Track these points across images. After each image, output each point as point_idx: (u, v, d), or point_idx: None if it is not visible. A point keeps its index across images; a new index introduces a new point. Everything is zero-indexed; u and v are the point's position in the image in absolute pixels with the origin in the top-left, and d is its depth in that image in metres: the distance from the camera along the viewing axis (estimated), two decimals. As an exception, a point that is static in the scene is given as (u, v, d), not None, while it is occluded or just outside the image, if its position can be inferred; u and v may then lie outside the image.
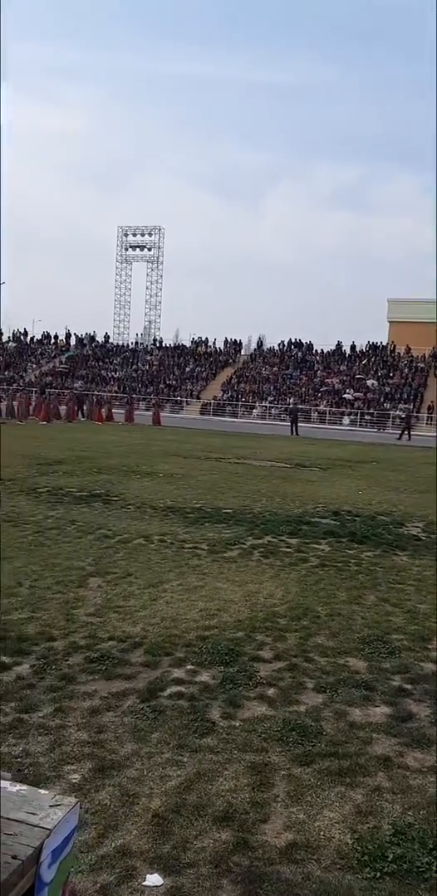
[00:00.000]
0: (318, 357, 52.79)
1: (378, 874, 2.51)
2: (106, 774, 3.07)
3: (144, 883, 2.41)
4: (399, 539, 8.53)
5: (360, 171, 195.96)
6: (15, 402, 33.00)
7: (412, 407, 41.50)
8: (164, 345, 59.93)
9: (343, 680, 4.21)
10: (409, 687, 4.18)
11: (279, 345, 55.40)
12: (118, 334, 64.19)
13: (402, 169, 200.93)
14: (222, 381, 51.51)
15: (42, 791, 1.41)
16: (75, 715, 3.59)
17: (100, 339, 60.66)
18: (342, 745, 3.43)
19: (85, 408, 36.84)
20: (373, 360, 50.77)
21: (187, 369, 53.98)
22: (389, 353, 51.34)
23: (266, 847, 2.65)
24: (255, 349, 58.13)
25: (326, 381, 48.90)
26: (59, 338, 60.35)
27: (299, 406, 39.88)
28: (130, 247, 64.36)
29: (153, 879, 2.42)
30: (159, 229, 63.20)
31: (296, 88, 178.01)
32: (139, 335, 65.58)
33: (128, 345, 61.46)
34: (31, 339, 61.48)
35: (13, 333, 61.50)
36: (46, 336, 61.20)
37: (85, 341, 60.00)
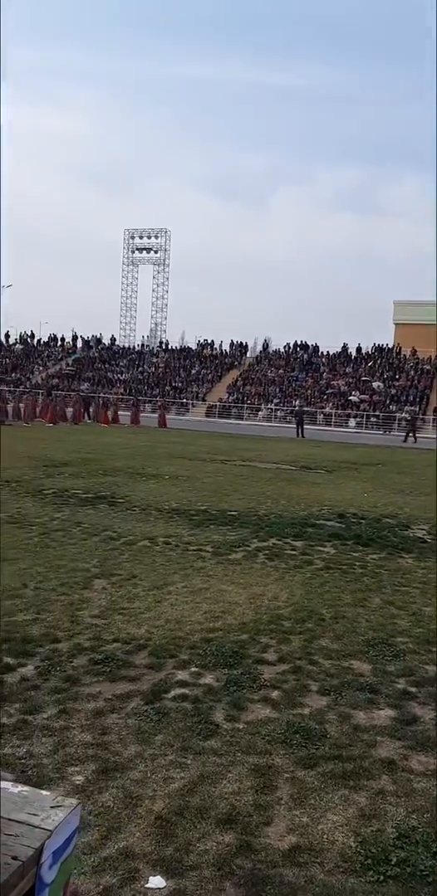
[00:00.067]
0: (324, 359, 52.74)
1: (382, 878, 2.51)
2: (109, 776, 3.07)
3: (147, 885, 2.41)
4: (405, 541, 8.51)
5: (368, 172, 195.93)
6: (21, 404, 33.13)
7: (417, 409, 41.40)
8: (170, 347, 60.03)
9: (348, 683, 4.20)
10: (414, 690, 4.17)
11: (285, 347, 55.41)
12: (124, 336, 64.37)
13: (411, 171, 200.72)
14: (227, 383, 51.53)
15: (43, 792, 1.41)
16: (79, 717, 3.60)
17: (106, 341, 60.83)
18: (346, 748, 3.43)
19: (91, 410, 36.95)
20: (379, 362, 50.67)
21: (193, 371, 54.02)
22: (395, 355, 51.25)
23: (269, 850, 2.64)
24: (260, 351, 58.08)
25: (332, 383, 48.84)
26: (66, 340, 60.52)
27: (305, 408, 39.87)
28: (137, 249, 64.57)
29: (156, 882, 2.42)
30: (165, 231, 63.37)
31: (300, 90, 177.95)
32: (145, 337, 65.80)
33: (134, 347, 61.60)
34: (38, 341, 61.69)
35: (20, 335, 61.74)
36: (53, 338, 61.38)
37: (91, 343, 60.15)
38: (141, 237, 64.14)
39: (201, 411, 47.31)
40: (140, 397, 45.14)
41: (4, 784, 1.38)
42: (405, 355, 50.40)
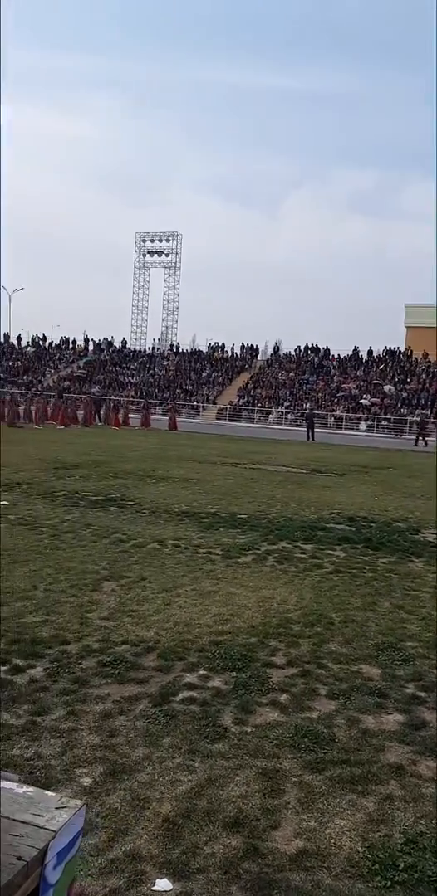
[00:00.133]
0: (334, 362, 52.60)
1: (389, 883, 2.49)
2: (117, 778, 3.08)
3: (154, 888, 2.41)
4: (415, 546, 8.47)
5: (381, 176, 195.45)
6: (33, 407, 33.31)
7: (428, 413, 41.20)
8: (181, 350, 60.13)
9: (356, 687, 4.18)
10: (423, 695, 4.15)
11: (296, 350, 55.29)
12: (136, 339, 64.69)
13: (427, 173, 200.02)
14: (238, 386, 51.53)
15: (48, 793, 1.42)
16: (88, 718, 3.61)
17: (117, 344, 61.02)
18: (355, 753, 3.41)
19: (102, 412, 37.08)
20: (390, 365, 50.48)
21: (204, 374, 54.07)
22: (406, 358, 51.03)
23: (276, 854, 2.64)
24: (271, 354, 58.03)
25: (342, 386, 48.71)
26: (78, 343, 60.78)
27: (316, 411, 39.78)
28: (148, 252, 64.79)
29: (162, 884, 2.42)
30: (177, 235, 63.60)
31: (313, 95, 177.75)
32: (156, 340, 65.96)
33: (145, 350, 61.78)
34: (50, 344, 62.00)
35: (32, 338, 62.07)
36: (65, 341, 61.70)
37: (103, 346, 60.36)
38: (152, 241, 64.43)
39: (212, 414, 47.33)
40: (151, 400, 45.25)
41: (9, 785, 1.39)
42: (416, 358, 50.17)
